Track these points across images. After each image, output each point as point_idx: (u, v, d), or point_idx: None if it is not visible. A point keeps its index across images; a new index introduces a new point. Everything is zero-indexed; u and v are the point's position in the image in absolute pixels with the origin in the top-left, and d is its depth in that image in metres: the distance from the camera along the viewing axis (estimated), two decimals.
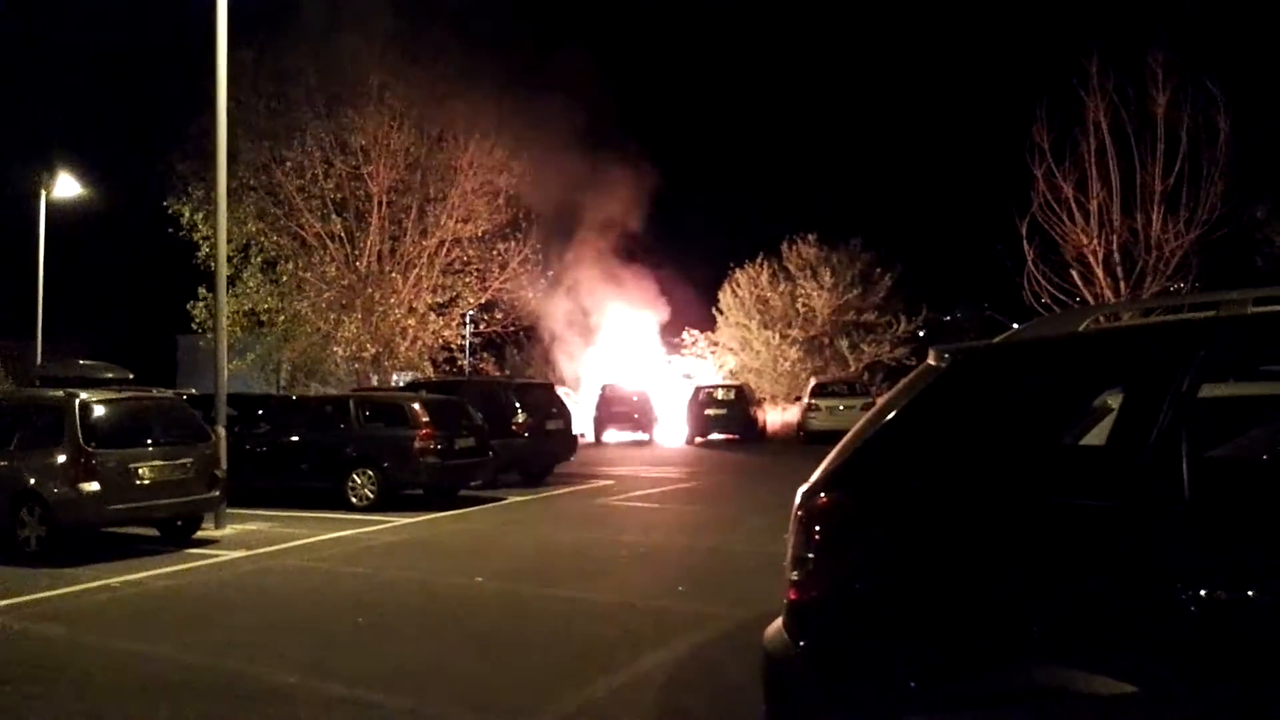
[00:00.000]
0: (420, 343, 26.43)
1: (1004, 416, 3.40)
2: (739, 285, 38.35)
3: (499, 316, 28.57)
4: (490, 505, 14.94)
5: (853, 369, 36.12)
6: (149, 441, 11.14)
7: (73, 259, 33.93)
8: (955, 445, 3.28)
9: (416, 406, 14.86)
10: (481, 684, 6.07)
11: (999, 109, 34.23)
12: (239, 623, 7.83)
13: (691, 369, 38.78)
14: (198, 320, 25.23)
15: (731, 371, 37.35)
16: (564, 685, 5.99)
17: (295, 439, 15.19)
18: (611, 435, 30.96)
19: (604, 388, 32.02)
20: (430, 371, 26.60)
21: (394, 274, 25.88)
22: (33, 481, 10.50)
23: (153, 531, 11.69)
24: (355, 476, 14.37)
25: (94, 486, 10.34)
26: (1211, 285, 19.91)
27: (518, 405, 17.79)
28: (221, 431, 12.53)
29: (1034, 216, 22.49)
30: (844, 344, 37.40)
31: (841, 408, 26.76)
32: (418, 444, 14.30)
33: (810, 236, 38.30)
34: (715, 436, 29.64)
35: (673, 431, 31.40)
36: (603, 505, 15.23)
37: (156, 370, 34.40)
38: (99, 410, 10.80)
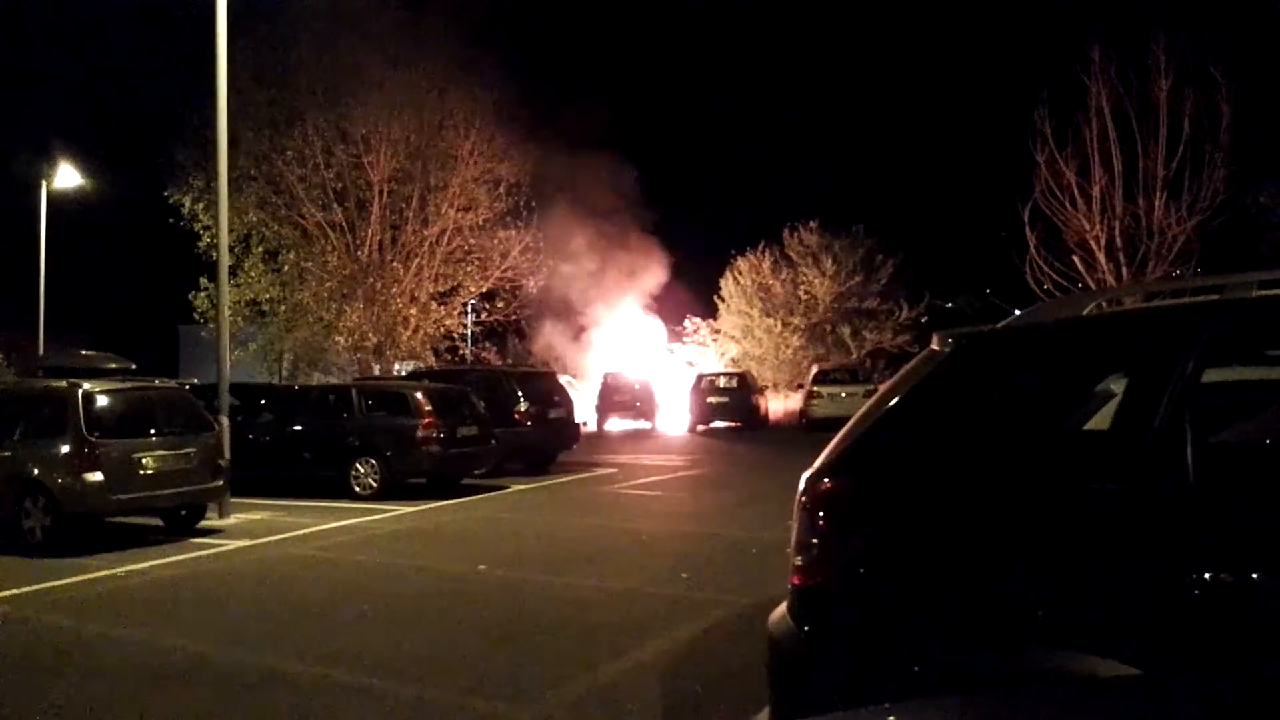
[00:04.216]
0: (422, 332, 26.45)
1: (1007, 401, 3.40)
2: (741, 273, 38.34)
3: (500, 305, 28.58)
4: (493, 494, 14.96)
5: (855, 356, 36.12)
6: (152, 431, 11.16)
7: (74, 250, 33.95)
8: (959, 430, 3.28)
9: (419, 395, 14.87)
10: (486, 670, 6.08)
11: (1001, 95, 34.23)
12: (243, 611, 7.85)
13: (693, 357, 38.79)
14: (200, 310, 25.28)
15: (733, 359, 37.37)
16: (569, 671, 6.01)
17: (298, 428, 15.21)
18: (614, 424, 30.97)
19: (606, 376, 32.00)
20: (432, 360, 26.60)
21: (395, 263, 25.88)
22: (37, 472, 10.53)
23: (157, 521, 11.72)
24: (358, 465, 14.40)
25: (98, 476, 10.37)
26: (1214, 270, 19.85)
27: (520, 394, 17.81)
28: (225, 421, 12.55)
29: (1036, 202, 22.48)
30: (846, 331, 37.40)
31: (844, 395, 26.75)
32: (421, 433, 14.33)
33: (812, 224, 38.32)
34: (717, 424, 29.65)
35: (675, 420, 31.41)
36: (606, 493, 15.25)
37: (159, 360, 34.49)
38: (102, 400, 10.82)
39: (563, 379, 24.79)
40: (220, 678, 6.05)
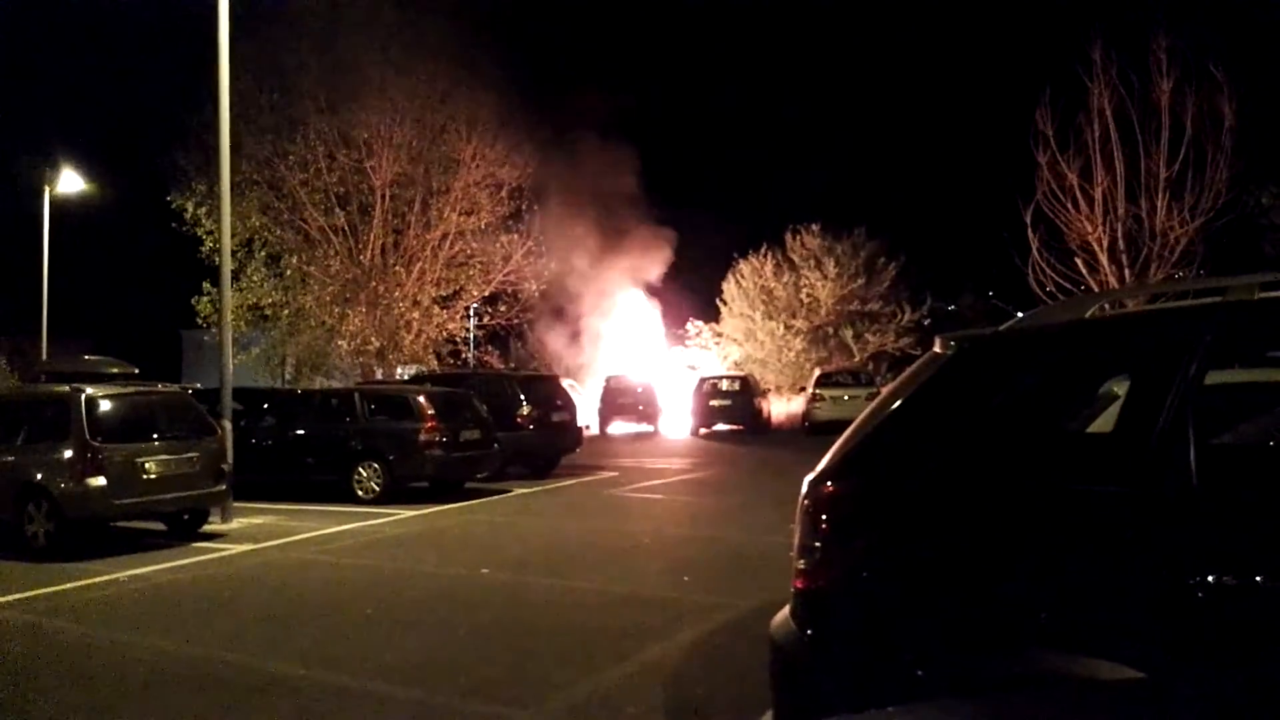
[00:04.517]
0: (424, 335, 26.46)
1: (1010, 404, 3.40)
2: (743, 276, 38.30)
3: (503, 309, 28.60)
4: (496, 497, 14.96)
5: (857, 359, 36.07)
6: (155, 436, 11.17)
7: (77, 254, 33.98)
8: (961, 433, 3.28)
9: (421, 399, 14.88)
10: (489, 674, 6.08)
11: (1003, 96, 34.14)
12: (246, 615, 7.85)
13: (696, 360, 38.77)
14: (202, 315, 25.29)
15: (736, 362, 37.33)
16: (572, 675, 6.00)
17: (301, 432, 15.22)
18: (616, 427, 30.95)
19: (609, 379, 31.99)
20: (435, 364, 26.61)
21: (398, 267, 25.89)
22: (39, 477, 10.54)
23: (159, 526, 11.73)
24: (361, 469, 14.40)
25: (100, 481, 10.37)
26: (1217, 272, 19.85)
27: (522, 397, 17.81)
28: (227, 425, 12.56)
29: (1038, 204, 22.46)
30: (848, 334, 37.35)
31: (846, 398, 26.72)
32: (423, 437, 14.33)
33: (814, 226, 38.24)
34: (720, 427, 29.63)
35: (677, 423, 31.39)
36: (608, 496, 15.25)
37: (161, 365, 34.52)
38: (105, 405, 10.83)
39: (565, 382, 24.79)
40: (223, 682, 6.05)
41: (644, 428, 30.76)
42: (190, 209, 24.61)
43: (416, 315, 26.13)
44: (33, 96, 58.92)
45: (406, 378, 23.99)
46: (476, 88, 26.06)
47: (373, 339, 25.55)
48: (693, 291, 40.17)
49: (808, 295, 37.61)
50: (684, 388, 32.71)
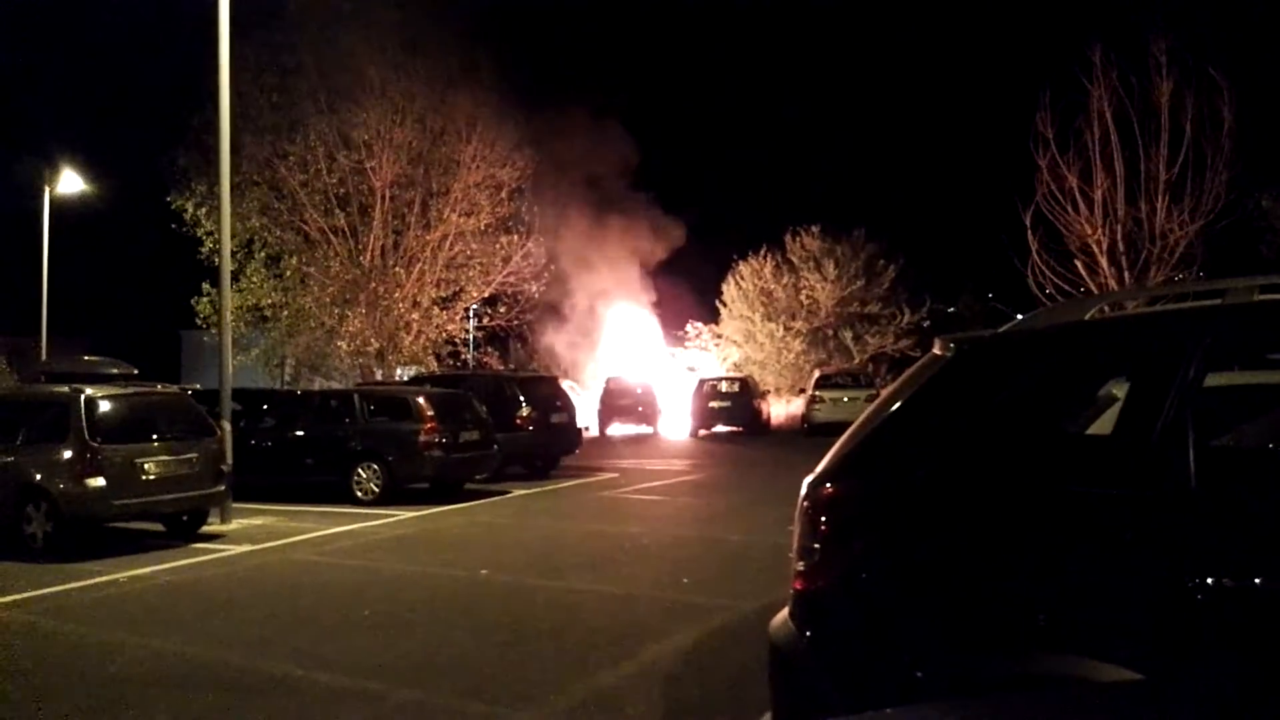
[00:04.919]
0: (424, 337, 26.44)
1: (1010, 406, 3.40)
2: (742, 277, 38.30)
3: (502, 310, 28.59)
4: (495, 499, 14.96)
5: (856, 360, 36.06)
6: (154, 437, 11.16)
7: (77, 255, 33.96)
8: (961, 435, 3.28)
9: (421, 400, 14.88)
10: (489, 675, 6.08)
11: (1003, 99, 34.05)
12: (245, 616, 7.85)
13: (695, 361, 38.77)
14: (202, 315, 25.27)
15: (735, 364, 37.32)
16: (571, 676, 6.00)
17: (300, 433, 15.21)
18: (616, 428, 30.94)
19: (608, 381, 31.98)
20: (434, 365, 26.61)
21: (397, 268, 25.87)
22: (39, 477, 10.54)
23: (158, 526, 11.72)
24: (360, 470, 14.40)
25: (99, 482, 10.37)
26: (1216, 274, 19.82)
27: (522, 399, 17.81)
28: (226, 426, 12.55)
29: (1038, 206, 22.45)
30: (848, 335, 37.36)
31: (845, 399, 26.72)
32: (422, 438, 14.33)
33: (813, 228, 38.24)
34: (719, 429, 29.64)
35: (677, 424, 31.39)
36: (607, 498, 15.24)
37: (161, 366, 34.45)
38: (104, 406, 10.82)
39: (565, 384, 24.78)
40: (222, 682, 6.05)
41: (643, 429, 30.74)
42: (190, 209, 24.59)
43: (416, 316, 26.11)
44: (32, 96, 58.91)
45: (406, 379, 23.98)
46: (476, 88, 26.06)
47: (372, 340, 25.53)
48: (692, 293, 40.19)
49: (807, 297, 37.61)
50: (683, 389, 32.70)
